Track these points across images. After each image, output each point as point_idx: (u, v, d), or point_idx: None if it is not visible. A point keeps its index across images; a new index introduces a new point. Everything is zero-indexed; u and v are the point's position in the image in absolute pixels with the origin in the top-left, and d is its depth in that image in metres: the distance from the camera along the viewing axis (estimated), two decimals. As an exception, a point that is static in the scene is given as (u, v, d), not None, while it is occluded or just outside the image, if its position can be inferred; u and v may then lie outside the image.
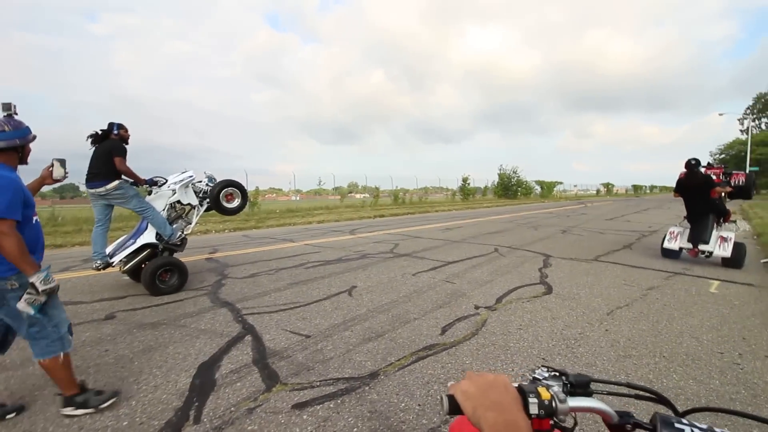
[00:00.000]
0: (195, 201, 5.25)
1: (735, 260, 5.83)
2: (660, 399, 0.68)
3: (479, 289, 4.63)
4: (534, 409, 0.57)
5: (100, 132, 4.72)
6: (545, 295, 4.38)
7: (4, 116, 2.18)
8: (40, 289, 2.01)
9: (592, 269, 5.71)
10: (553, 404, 0.58)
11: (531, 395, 0.58)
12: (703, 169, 6.49)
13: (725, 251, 5.85)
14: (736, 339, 3.18)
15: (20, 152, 2.19)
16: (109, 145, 4.60)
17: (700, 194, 6.23)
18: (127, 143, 4.80)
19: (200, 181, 5.41)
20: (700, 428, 0.55)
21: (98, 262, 4.57)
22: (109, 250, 4.72)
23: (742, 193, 6.77)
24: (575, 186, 62.25)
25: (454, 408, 0.57)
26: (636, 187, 77.92)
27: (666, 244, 6.57)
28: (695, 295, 4.41)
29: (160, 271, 4.49)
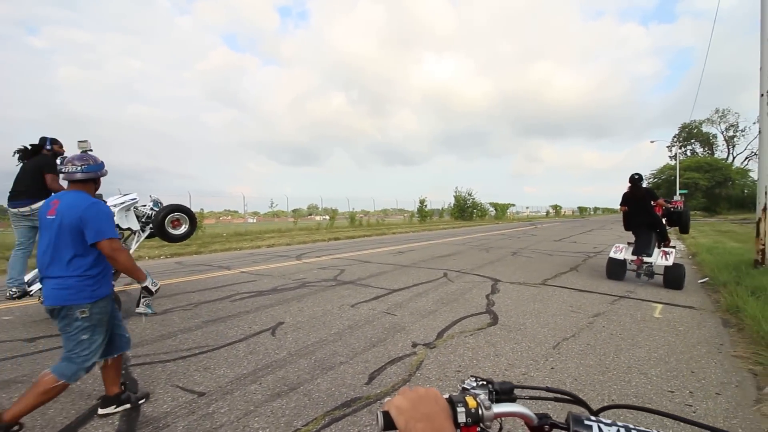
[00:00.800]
0: (136, 226, 4.82)
1: (676, 281, 5.91)
2: (576, 400, 0.73)
3: (421, 321, 4.21)
4: (462, 418, 0.60)
5: (29, 147, 4.24)
6: (490, 327, 4.04)
7: (81, 152, 2.61)
8: (153, 290, 2.46)
9: (540, 294, 5.50)
10: (480, 411, 0.61)
11: (459, 405, 0.61)
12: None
13: (667, 261, 6.02)
14: (684, 373, 2.96)
15: (96, 184, 2.42)
16: (41, 162, 4.15)
17: (643, 205, 6.58)
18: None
19: (144, 205, 4.96)
20: (605, 423, 0.60)
21: (14, 289, 4.10)
22: (28, 277, 4.16)
23: (680, 223, 7.31)
24: (527, 208, 65.02)
25: (389, 424, 0.58)
26: (581, 209, 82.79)
27: (612, 255, 6.71)
28: (641, 321, 4.25)
29: None
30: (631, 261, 6.50)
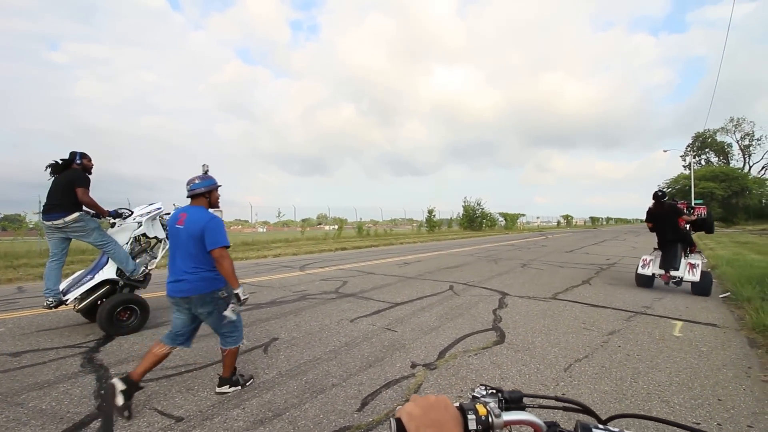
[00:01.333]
0: (162, 234, 4.96)
1: (703, 287, 6.17)
2: (585, 410, 0.73)
3: (423, 338, 3.97)
4: (473, 425, 0.60)
5: (60, 161, 4.39)
6: (496, 345, 3.78)
7: (203, 173, 3.05)
8: (242, 299, 2.73)
9: (550, 309, 5.21)
10: (490, 419, 0.62)
11: (470, 412, 0.62)
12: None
13: (694, 276, 6.22)
14: (711, 401, 2.68)
15: (208, 197, 2.94)
16: (72, 176, 4.30)
17: (669, 222, 6.72)
18: (90, 173, 4.51)
19: (168, 213, 4.99)
20: (612, 431, 0.62)
21: (50, 299, 4.17)
22: (62, 286, 4.30)
23: (705, 226, 7.36)
24: (537, 218, 64.21)
25: (401, 430, 0.58)
26: (593, 219, 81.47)
27: (640, 271, 6.83)
28: (659, 341, 3.95)
29: (119, 309, 4.15)
30: (659, 276, 6.64)
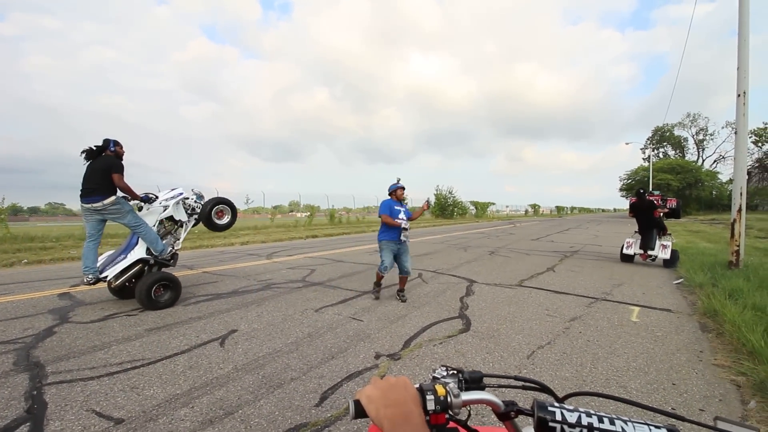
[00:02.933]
0: (185, 218, 5.32)
1: (672, 262, 7.97)
2: (543, 388, 0.74)
3: (388, 327, 3.90)
4: (431, 405, 0.61)
5: (94, 147, 4.68)
6: (462, 333, 3.76)
7: (397, 179, 5.39)
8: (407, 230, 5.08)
9: (516, 297, 5.27)
10: (449, 399, 0.63)
11: (428, 393, 0.62)
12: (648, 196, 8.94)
13: (665, 254, 8.01)
14: (666, 386, 2.74)
15: (393, 194, 5.25)
16: (108, 162, 4.60)
17: (648, 213, 8.36)
18: (121, 159, 4.79)
19: (188, 198, 5.41)
20: (567, 409, 0.62)
21: (90, 276, 4.50)
22: (98, 264, 4.64)
23: (674, 214, 9.36)
24: (507, 206, 65.72)
25: (360, 412, 0.60)
26: (559, 208, 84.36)
27: (624, 251, 8.69)
28: (618, 326, 4.06)
29: (155, 286, 4.51)
30: (639, 254, 8.50)
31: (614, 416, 0.61)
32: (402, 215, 5.08)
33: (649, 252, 8.28)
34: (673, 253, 8.06)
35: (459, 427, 0.71)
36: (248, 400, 2.45)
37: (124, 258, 4.67)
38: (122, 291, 4.91)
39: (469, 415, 0.73)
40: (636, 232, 8.76)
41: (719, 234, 15.93)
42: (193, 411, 2.31)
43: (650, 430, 0.58)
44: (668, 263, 8.00)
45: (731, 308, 4.07)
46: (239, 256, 9.56)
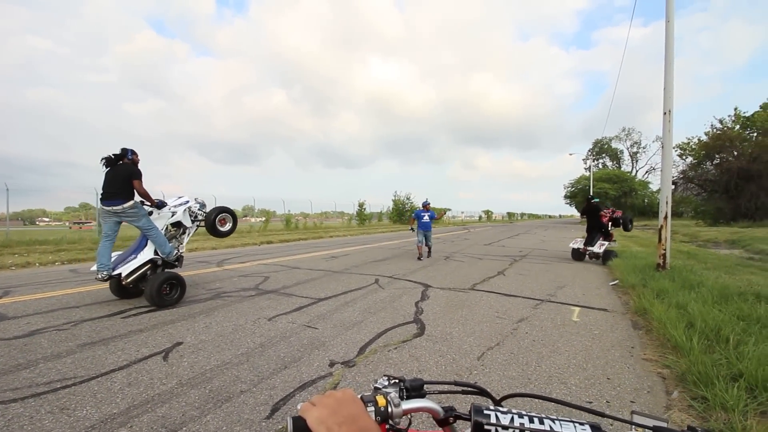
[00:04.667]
0: (190, 224, 5.78)
1: (604, 258, 9.69)
2: (481, 392, 0.77)
3: (344, 335, 3.87)
4: (372, 417, 0.60)
5: (113, 156, 5.13)
6: (416, 338, 3.82)
7: (425, 201, 11.03)
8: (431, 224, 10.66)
9: (468, 300, 5.44)
10: (389, 409, 0.63)
11: (369, 404, 0.62)
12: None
13: (600, 250, 9.84)
14: (601, 380, 2.95)
15: (425, 208, 11.00)
16: (129, 170, 5.06)
17: (593, 216, 10.43)
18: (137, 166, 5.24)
19: (192, 206, 5.87)
20: (502, 411, 0.65)
21: (104, 273, 4.82)
22: (112, 262, 4.99)
23: (620, 224, 10.62)
24: (462, 212, 67.77)
25: (300, 430, 0.56)
26: (510, 214, 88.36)
27: (572, 245, 10.61)
28: (560, 326, 4.31)
29: (164, 285, 4.86)
30: (581, 249, 10.26)
31: (544, 416, 0.65)
32: (426, 217, 10.62)
33: (589, 248, 10.05)
34: (606, 252, 9.82)
35: None
36: (193, 416, 2.33)
37: (135, 258, 5.05)
38: (123, 291, 5.21)
39: (410, 423, 0.73)
40: (582, 237, 10.87)
41: (650, 239, 17.43)
42: (131, 431, 2.16)
43: (575, 427, 0.63)
44: (603, 259, 9.83)
45: (658, 307, 4.47)
46: (187, 263, 9.06)
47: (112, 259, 5.02)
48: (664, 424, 0.65)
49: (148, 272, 5.13)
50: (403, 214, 38.94)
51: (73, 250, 11.87)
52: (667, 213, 7.01)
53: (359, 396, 0.63)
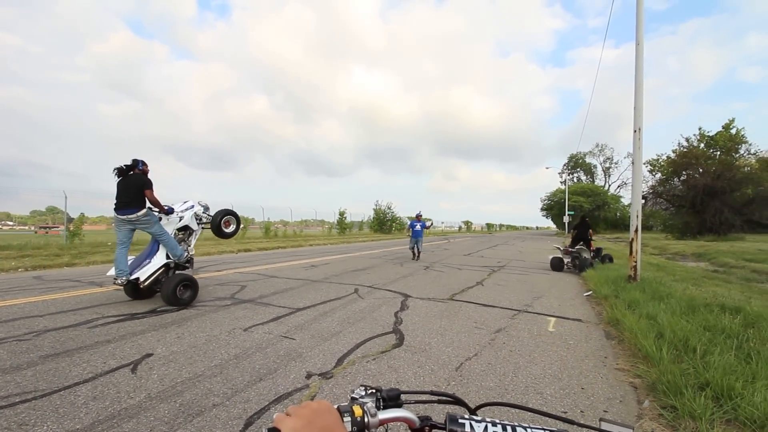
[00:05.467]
0: (196, 227, 6.12)
1: (583, 265, 10.37)
2: (456, 401, 0.77)
3: (321, 345, 3.81)
4: (348, 427, 0.60)
5: (125, 166, 5.43)
6: (395, 349, 3.79)
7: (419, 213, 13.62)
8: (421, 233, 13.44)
9: (447, 310, 5.47)
10: (365, 419, 0.62)
11: (346, 414, 0.62)
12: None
13: (588, 256, 10.85)
14: (576, 390, 3.00)
15: (420, 217, 13.67)
16: (141, 180, 5.37)
17: (581, 230, 11.71)
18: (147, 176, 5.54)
19: (197, 210, 6.19)
20: (476, 420, 0.66)
21: (123, 278, 5.15)
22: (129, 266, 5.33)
23: (599, 258, 11.87)
24: (442, 223, 68.41)
25: None
26: (489, 225, 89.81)
27: (552, 256, 11.83)
28: (537, 336, 4.38)
29: (179, 286, 5.16)
30: (563, 249, 11.87)
31: (516, 424, 0.67)
32: (418, 227, 12.88)
33: (570, 249, 11.37)
34: (583, 260, 10.91)
35: None
36: (162, 431, 2.23)
37: (150, 262, 5.38)
38: (137, 292, 5.51)
39: None
40: (570, 240, 12.40)
41: (622, 251, 18.00)
42: (93, 449, 2.05)
43: None
44: (581, 267, 10.79)
45: (630, 317, 4.60)
46: (161, 271, 8.79)
47: (129, 264, 5.35)
48: (630, 431, 0.67)
49: (162, 275, 5.49)
50: (384, 223, 38.99)
51: (38, 256, 11.33)
52: (637, 226, 7.28)
53: (336, 407, 0.63)
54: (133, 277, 5.19)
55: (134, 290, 5.50)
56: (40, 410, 2.44)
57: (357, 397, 0.70)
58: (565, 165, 71.55)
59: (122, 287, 5.58)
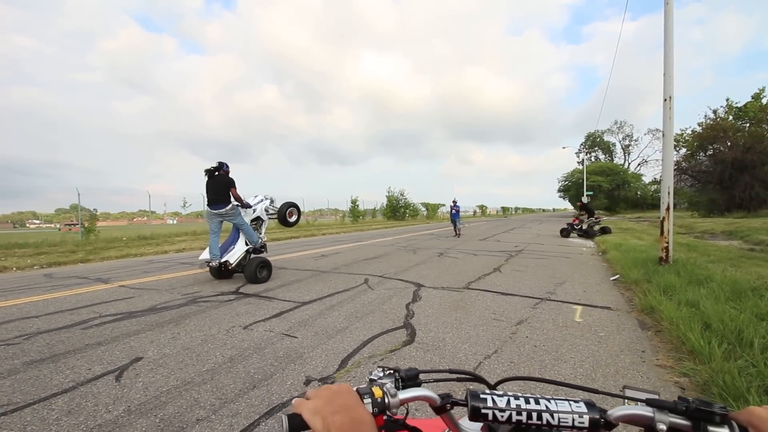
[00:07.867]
0: (266, 217, 7.28)
1: (591, 232, 15.14)
2: (475, 378, 0.77)
3: (325, 344, 3.50)
4: (369, 409, 0.59)
5: (213, 168, 6.41)
6: (405, 346, 3.45)
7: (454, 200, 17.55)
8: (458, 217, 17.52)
9: (462, 300, 5.09)
10: (386, 400, 0.62)
11: (366, 396, 0.61)
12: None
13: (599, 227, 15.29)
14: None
15: (455, 204, 17.98)
16: (226, 180, 6.38)
17: (589, 210, 15.96)
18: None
19: (262, 201, 7.30)
20: (497, 395, 0.64)
21: (216, 261, 6.23)
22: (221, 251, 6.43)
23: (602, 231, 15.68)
24: (457, 208, 67.51)
25: (296, 427, 0.55)
26: (504, 209, 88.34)
27: (564, 226, 16.17)
28: (563, 328, 3.97)
29: (258, 267, 6.17)
30: (572, 225, 16.15)
31: (539, 396, 0.65)
32: (454, 211, 17.23)
33: (575, 221, 16.26)
34: (588, 230, 15.51)
35: (398, 427, 0.71)
36: (134, 455, 1.94)
37: (234, 248, 6.46)
38: (220, 273, 6.56)
39: (407, 412, 0.72)
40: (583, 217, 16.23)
41: (646, 231, 17.21)
42: (51, 479, 1.77)
43: (570, 404, 0.62)
44: (589, 233, 15.24)
45: (667, 305, 4.14)
46: (169, 265, 8.66)
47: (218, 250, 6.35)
48: (656, 396, 0.64)
49: (244, 259, 6.50)
50: (397, 210, 38.56)
51: (54, 252, 11.40)
52: (669, 204, 6.70)
53: (355, 389, 0.62)
54: (223, 260, 6.20)
55: (218, 271, 6.51)
56: (6, 428, 2.19)
57: (375, 378, 0.69)
58: (582, 144, 69.42)
59: (208, 269, 6.68)
